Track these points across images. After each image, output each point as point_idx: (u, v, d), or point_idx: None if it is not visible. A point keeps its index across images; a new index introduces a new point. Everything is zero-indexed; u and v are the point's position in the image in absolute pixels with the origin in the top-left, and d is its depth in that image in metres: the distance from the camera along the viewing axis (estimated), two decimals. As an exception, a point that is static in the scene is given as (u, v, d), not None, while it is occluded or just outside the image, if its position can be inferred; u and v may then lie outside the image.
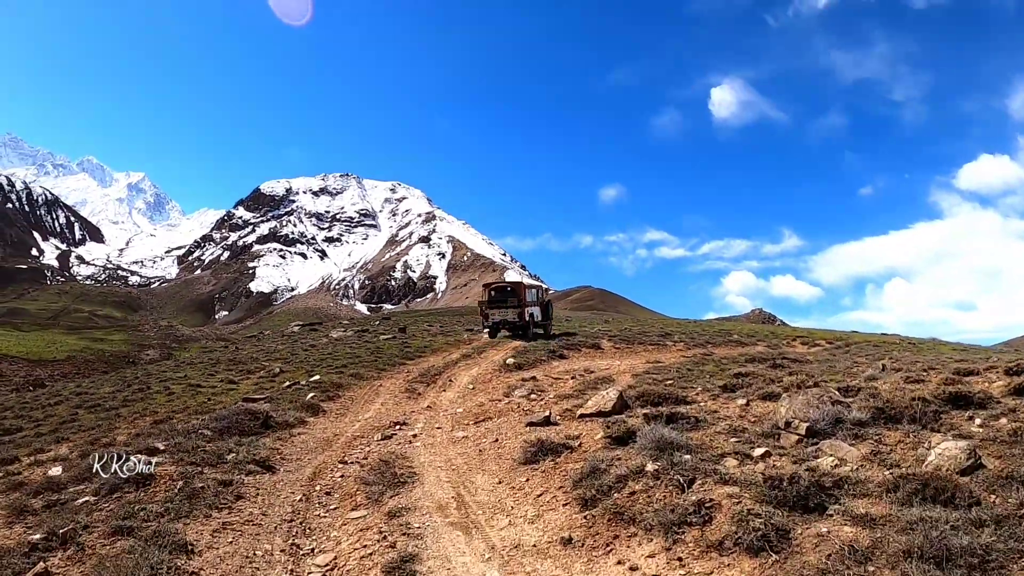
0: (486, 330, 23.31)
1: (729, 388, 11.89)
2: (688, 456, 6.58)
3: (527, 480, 7.33)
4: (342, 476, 8.29)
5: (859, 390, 8.91)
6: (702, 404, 10.64)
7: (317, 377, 16.15)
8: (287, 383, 15.79)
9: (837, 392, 8.72)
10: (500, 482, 7.54)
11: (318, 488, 7.83)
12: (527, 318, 22.45)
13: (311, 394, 13.42)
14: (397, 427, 11.02)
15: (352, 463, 8.89)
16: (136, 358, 69.45)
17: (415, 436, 10.37)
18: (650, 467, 6.42)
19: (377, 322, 45.38)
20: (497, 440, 9.47)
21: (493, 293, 23.08)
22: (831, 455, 6.30)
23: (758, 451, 6.76)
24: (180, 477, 7.38)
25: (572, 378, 16.14)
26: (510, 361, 17.79)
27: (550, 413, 11.18)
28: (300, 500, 7.39)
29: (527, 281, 22.12)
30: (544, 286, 23.79)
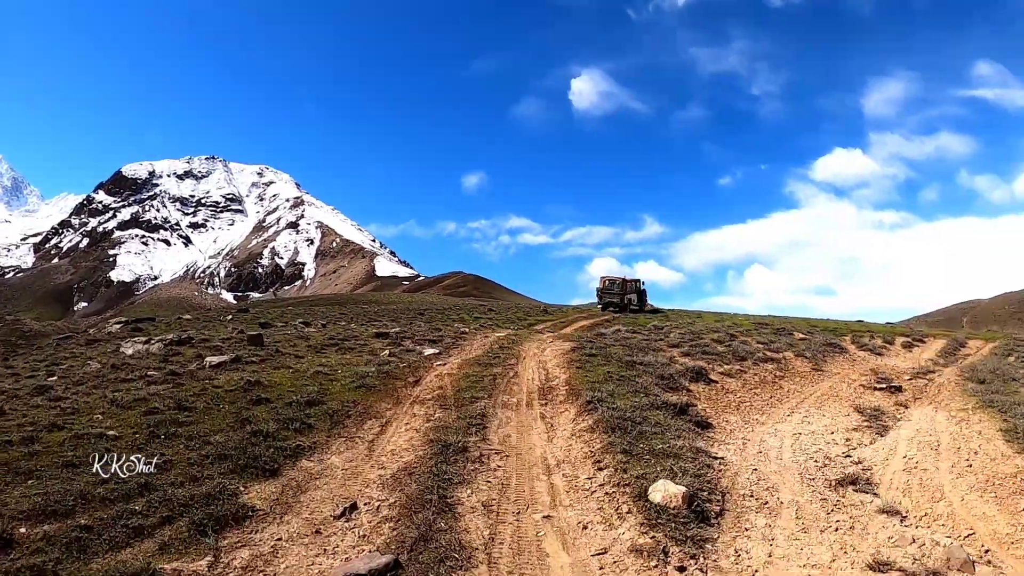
0: (599, 306, 28.94)
1: None
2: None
3: None
4: None
5: None
6: None
7: None
8: None
9: None
10: None
11: None
12: (625, 301, 28.56)
13: None
14: None
15: None
16: (-28, 358, 48.74)
17: None
18: None
19: (230, 316, 29.53)
20: None
21: (606, 283, 28.93)
22: None
23: None
24: None
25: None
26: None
27: None
28: None
29: (628, 277, 29.01)
30: (640, 279, 29.96)
